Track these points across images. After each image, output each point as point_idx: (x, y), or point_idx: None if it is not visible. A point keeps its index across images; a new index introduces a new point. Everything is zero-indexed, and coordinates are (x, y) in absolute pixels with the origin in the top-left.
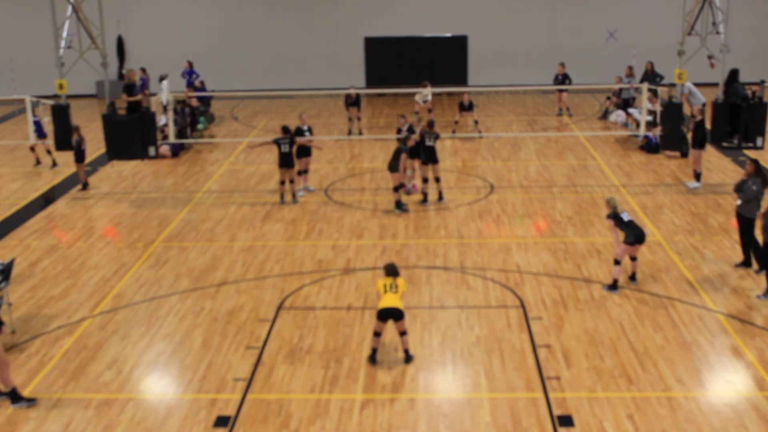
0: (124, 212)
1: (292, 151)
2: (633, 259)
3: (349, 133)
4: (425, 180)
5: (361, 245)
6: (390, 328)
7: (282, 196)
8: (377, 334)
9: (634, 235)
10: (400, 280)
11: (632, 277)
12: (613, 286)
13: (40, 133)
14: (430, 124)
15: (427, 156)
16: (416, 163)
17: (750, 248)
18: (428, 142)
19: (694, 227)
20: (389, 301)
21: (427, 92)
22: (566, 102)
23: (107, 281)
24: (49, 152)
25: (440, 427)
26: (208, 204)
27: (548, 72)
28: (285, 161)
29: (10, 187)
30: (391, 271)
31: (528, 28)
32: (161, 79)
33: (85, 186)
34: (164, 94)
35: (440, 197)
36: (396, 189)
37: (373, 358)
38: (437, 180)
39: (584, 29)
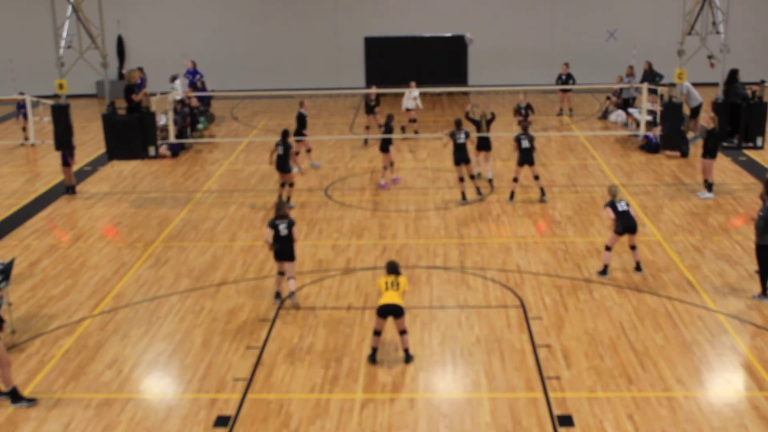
0: (124, 212)
1: (291, 154)
2: (632, 248)
3: (366, 142)
4: (462, 179)
5: (361, 245)
6: (390, 327)
7: (279, 197)
8: (377, 332)
9: (623, 225)
10: (402, 279)
11: (637, 268)
12: (603, 271)
13: None
14: (458, 124)
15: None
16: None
17: None
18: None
19: (694, 227)
20: (389, 297)
21: (416, 93)
22: (571, 102)
23: (107, 281)
24: None
25: (440, 427)
26: (208, 204)
27: (548, 72)
28: (277, 164)
29: (10, 187)
30: (393, 269)
31: (528, 28)
32: (173, 79)
33: (73, 189)
34: (178, 92)
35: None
36: (472, 177)
37: (372, 358)
38: (473, 177)
39: (584, 29)
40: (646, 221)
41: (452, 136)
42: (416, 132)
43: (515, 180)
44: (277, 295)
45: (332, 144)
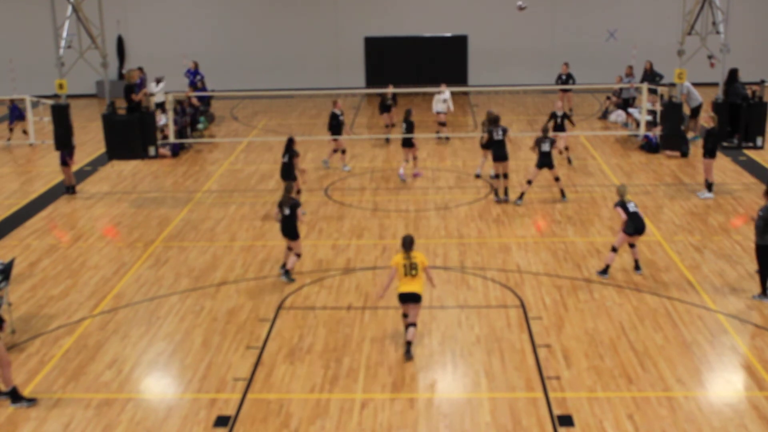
0: (124, 212)
1: (294, 162)
2: (631, 246)
3: (387, 140)
4: (496, 176)
5: (361, 245)
6: (395, 323)
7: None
8: (405, 315)
9: (634, 226)
10: (418, 257)
11: (636, 267)
12: (604, 271)
13: None
14: (496, 121)
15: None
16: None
17: None
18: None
19: (694, 227)
20: (406, 285)
21: (446, 95)
22: (571, 102)
23: (107, 281)
24: None
25: (440, 427)
26: (208, 204)
27: (548, 72)
28: (281, 172)
29: (10, 187)
30: (407, 245)
31: (528, 28)
32: (158, 81)
33: (73, 189)
34: (159, 94)
35: (506, 194)
36: (506, 176)
37: (407, 352)
38: (505, 176)
39: (584, 29)
40: (646, 221)
41: (490, 133)
42: (447, 138)
43: (529, 182)
44: (284, 265)
45: (332, 144)
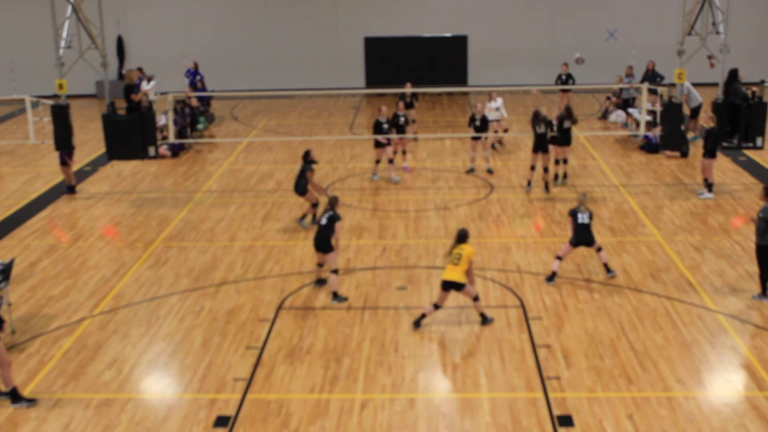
0: (124, 212)
1: (308, 177)
2: (598, 250)
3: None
4: (533, 167)
5: (361, 245)
6: (396, 327)
7: (303, 217)
8: (435, 306)
9: (578, 238)
10: (466, 249)
11: (608, 270)
12: (551, 278)
13: None
14: (536, 114)
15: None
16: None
17: None
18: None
19: (694, 227)
20: (448, 273)
21: (498, 102)
22: (571, 102)
23: (107, 281)
24: None
25: (440, 427)
26: (208, 204)
27: (548, 72)
28: (294, 184)
29: (10, 187)
30: (459, 238)
31: (528, 28)
32: (149, 79)
33: (73, 189)
34: (149, 93)
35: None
36: (565, 161)
37: (417, 323)
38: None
39: (584, 29)
40: (646, 221)
41: (532, 126)
42: (500, 143)
43: (564, 162)
44: (317, 281)
45: (332, 144)
